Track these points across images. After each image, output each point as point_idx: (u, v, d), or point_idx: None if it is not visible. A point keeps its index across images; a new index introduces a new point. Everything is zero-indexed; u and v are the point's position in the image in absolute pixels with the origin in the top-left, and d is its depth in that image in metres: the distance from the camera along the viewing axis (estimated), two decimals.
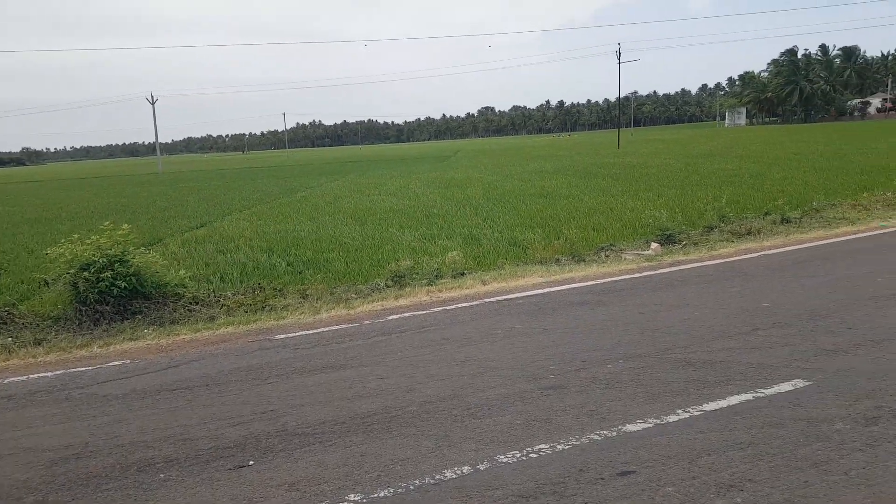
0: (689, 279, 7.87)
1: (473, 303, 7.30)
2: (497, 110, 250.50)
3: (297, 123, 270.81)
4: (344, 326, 6.71)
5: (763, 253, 9.20)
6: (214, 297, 8.06)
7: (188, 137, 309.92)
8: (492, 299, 7.40)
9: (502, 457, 3.64)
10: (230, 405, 4.69)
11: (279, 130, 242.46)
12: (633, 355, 5.18)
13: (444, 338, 6.03)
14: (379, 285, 8.46)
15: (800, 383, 4.40)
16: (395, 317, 6.92)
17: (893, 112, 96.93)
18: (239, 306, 7.67)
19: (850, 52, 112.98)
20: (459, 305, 7.23)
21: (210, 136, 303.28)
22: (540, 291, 7.63)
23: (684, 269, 8.44)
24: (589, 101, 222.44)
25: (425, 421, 4.18)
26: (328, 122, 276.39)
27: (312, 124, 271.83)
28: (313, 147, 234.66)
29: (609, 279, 8.14)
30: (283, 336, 6.46)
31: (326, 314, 7.30)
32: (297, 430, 4.17)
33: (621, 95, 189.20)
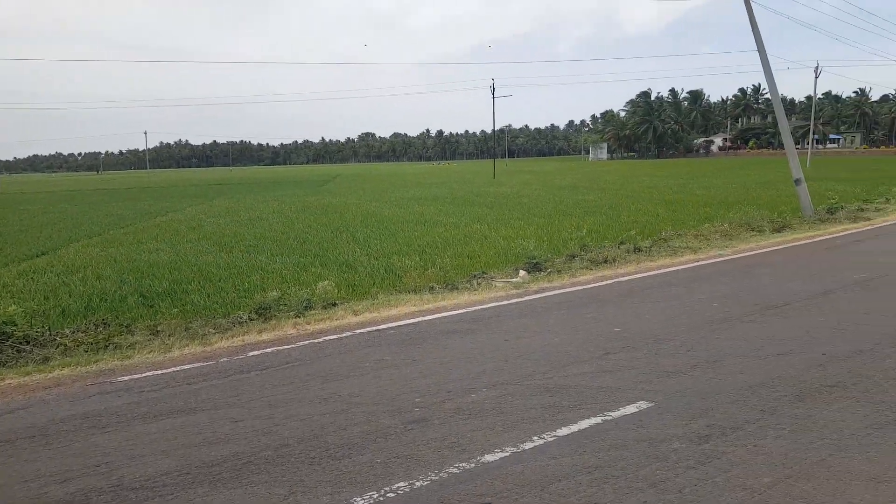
0: (551, 305, 8.23)
1: (343, 335, 7.15)
2: (378, 136, 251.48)
3: (162, 142, 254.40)
4: (198, 365, 6.28)
5: (617, 280, 9.85)
6: (50, 334, 7.26)
7: (34, 155, 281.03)
8: (362, 331, 7.29)
9: (358, 499, 3.54)
10: (59, 459, 4.20)
11: (140, 149, 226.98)
12: (496, 383, 5.29)
13: (308, 374, 5.83)
14: (241, 318, 8.05)
15: (643, 405, 4.71)
16: (256, 353, 6.61)
17: (732, 150, 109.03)
18: (79, 345, 6.96)
19: (696, 96, 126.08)
20: (328, 338, 7.05)
21: (60, 153, 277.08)
22: (412, 321, 7.64)
23: (548, 296, 8.83)
24: (467, 131, 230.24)
25: (280, 466, 3.99)
26: (196, 141, 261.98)
27: (178, 144, 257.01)
28: (179, 168, 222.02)
29: (479, 307, 8.32)
30: (126, 378, 5.92)
31: (179, 352, 6.81)
32: (135, 483, 3.81)
33: (497, 128, 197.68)
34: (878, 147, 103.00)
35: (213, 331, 7.57)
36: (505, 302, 8.57)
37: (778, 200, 21.47)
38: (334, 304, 8.59)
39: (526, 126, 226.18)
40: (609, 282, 9.75)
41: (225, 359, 6.44)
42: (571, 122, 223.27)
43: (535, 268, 10.96)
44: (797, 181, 18.27)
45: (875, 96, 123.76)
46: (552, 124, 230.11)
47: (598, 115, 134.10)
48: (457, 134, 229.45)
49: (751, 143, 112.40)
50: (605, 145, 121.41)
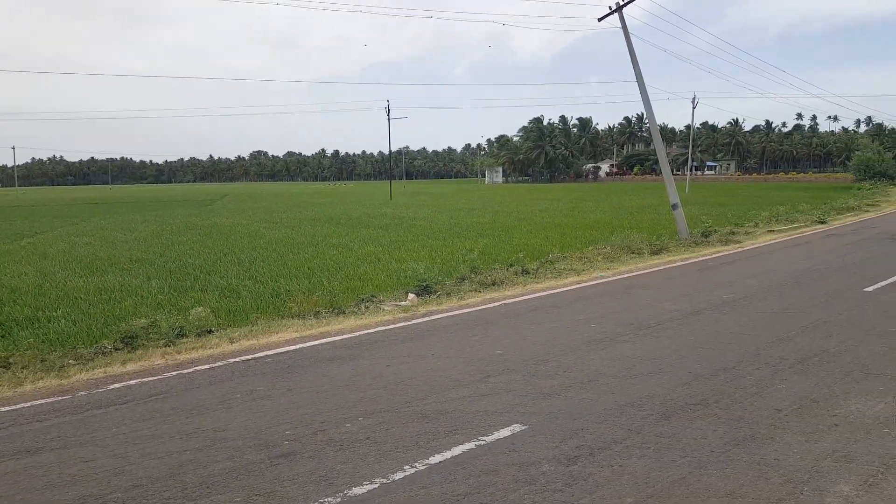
0: (437, 329, 8.18)
1: (216, 364, 6.72)
2: (271, 155, 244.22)
3: (33, 158, 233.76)
4: (52, 400, 5.68)
5: (504, 302, 10.00)
6: None
7: None
8: (237, 359, 6.88)
9: None
10: None
11: (8, 166, 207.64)
12: (373, 412, 5.12)
13: (173, 407, 5.39)
14: (105, 348, 7.39)
15: (517, 428, 4.71)
16: (117, 385, 6.06)
17: (619, 175, 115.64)
18: None
19: (584, 124, 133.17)
20: (199, 368, 6.59)
21: None
22: (292, 348, 7.32)
23: (435, 319, 8.78)
24: (364, 152, 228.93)
25: None
26: (72, 158, 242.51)
27: (52, 160, 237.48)
28: (53, 186, 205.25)
29: (365, 332, 8.12)
30: None
31: (32, 386, 6.14)
32: None
33: (394, 149, 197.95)
34: (750, 174, 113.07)
35: (73, 362, 6.90)
36: (391, 326, 8.44)
37: (658, 224, 22.81)
38: (210, 332, 8.09)
39: (424, 148, 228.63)
40: (496, 304, 9.86)
41: (83, 392, 5.86)
42: (468, 145, 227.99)
43: (425, 290, 10.91)
44: (674, 206, 19.51)
45: (747, 126, 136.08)
46: (449, 147, 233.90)
47: (494, 140, 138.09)
48: (354, 154, 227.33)
49: (635, 169, 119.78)
50: (500, 169, 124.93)
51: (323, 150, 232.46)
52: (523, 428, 4.71)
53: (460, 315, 9.05)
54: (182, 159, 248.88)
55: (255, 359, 6.87)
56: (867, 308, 8.67)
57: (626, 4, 19.19)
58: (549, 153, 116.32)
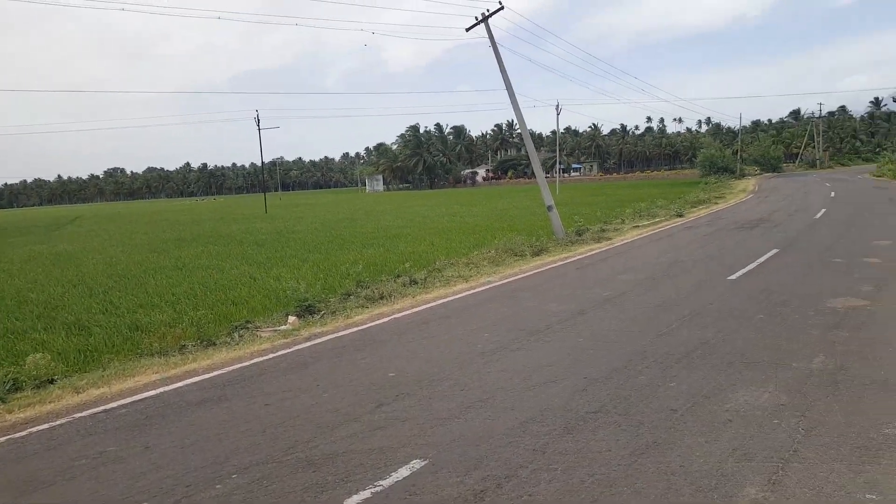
0: (322, 354, 7.58)
1: (57, 422, 5.70)
2: (129, 171, 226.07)
3: None
4: None
5: (393, 317, 9.55)
6: None
7: None
8: (84, 413, 5.89)
9: None
10: None
11: None
12: (249, 465, 4.47)
13: None
14: None
15: (417, 464, 4.28)
16: None
17: (495, 179, 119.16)
18: None
19: (459, 131, 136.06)
20: (35, 430, 5.54)
21: None
22: (152, 393, 6.40)
23: (319, 343, 8.16)
24: (234, 164, 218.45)
25: None
26: None
27: None
28: None
29: (239, 365, 7.33)
30: None
31: None
32: None
33: (268, 160, 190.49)
34: (610, 174, 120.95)
35: None
36: (270, 356, 7.71)
37: (535, 225, 23.42)
38: (52, 381, 6.94)
39: (300, 159, 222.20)
40: (385, 320, 9.40)
41: None
42: (346, 154, 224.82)
43: (307, 311, 10.23)
44: (549, 207, 20.07)
45: (605, 130, 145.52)
46: (326, 157, 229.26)
47: (372, 148, 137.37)
48: (223, 167, 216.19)
49: (510, 174, 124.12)
50: (380, 177, 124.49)
51: (188, 163, 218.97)
52: (424, 463, 4.28)
53: (348, 335, 8.49)
54: (25, 181, 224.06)
55: (105, 411, 5.91)
56: (733, 296, 9.15)
57: (491, 15, 19.50)
58: (428, 160, 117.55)
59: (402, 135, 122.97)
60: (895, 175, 42.40)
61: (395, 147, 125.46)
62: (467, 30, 20.18)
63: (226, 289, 12.91)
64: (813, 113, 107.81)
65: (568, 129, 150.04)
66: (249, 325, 9.55)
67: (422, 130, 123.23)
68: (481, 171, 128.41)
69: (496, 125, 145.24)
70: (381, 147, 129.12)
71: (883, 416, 4.69)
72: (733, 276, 10.67)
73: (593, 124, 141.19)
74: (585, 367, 6.26)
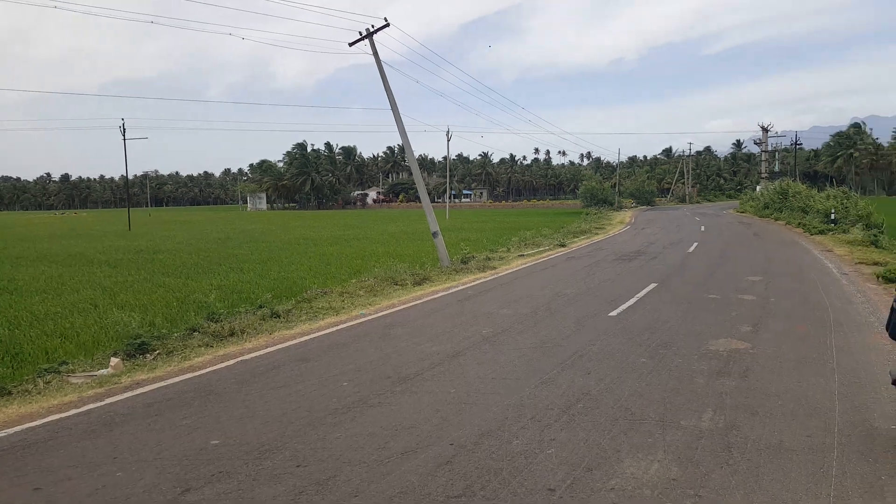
0: (137, 411, 6.11)
1: None
2: None
3: None
4: None
5: (241, 359, 8.18)
6: None
7: None
8: None
9: None
10: None
11: None
12: None
13: None
14: None
15: None
16: None
17: (385, 202, 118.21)
18: None
19: (349, 152, 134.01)
20: None
21: None
22: None
23: (139, 395, 6.66)
24: (103, 176, 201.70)
25: None
26: None
27: None
28: None
29: (26, 425, 5.73)
30: None
31: None
32: None
33: (139, 173, 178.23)
34: (500, 201, 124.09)
35: None
36: (72, 412, 6.14)
37: (422, 251, 22.66)
38: None
39: (177, 173, 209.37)
40: (231, 362, 8.02)
41: None
42: (228, 170, 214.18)
43: (139, 350, 8.61)
44: (434, 234, 19.34)
45: (495, 159, 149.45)
46: (206, 171, 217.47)
47: (256, 165, 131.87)
48: (90, 179, 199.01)
49: (401, 197, 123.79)
50: (263, 195, 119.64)
51: (48, 174, 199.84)
52: None
53: (177, 385, 7.04)
54: None
55: None
56: (615, 336, 8.66)
57: (376, 31, 18.70)
58: (316, 180, 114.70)
59: (289, 152, 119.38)
60: (756, 211, 45.97)
61: (281, 165, 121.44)
62: (350, 44, 19.23)
63: (57, 318, 10.99)
64: (683, 151, 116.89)
65: (459, 155, 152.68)
66: (63, 368, 7.83)
67: (310, 149, 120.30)
68: (372, 194, 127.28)
69: (388, 147, 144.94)
70: (264, 164, 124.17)
71: (784, 492, 4.09)
72: (614, 313, 10.28)
73: (483, 152, 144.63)
74: (454, 430, 5.31)
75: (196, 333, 9.71)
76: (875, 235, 21.07)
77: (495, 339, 8.68)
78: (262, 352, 8.62)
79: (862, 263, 16.08)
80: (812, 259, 17.85)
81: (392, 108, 19.22)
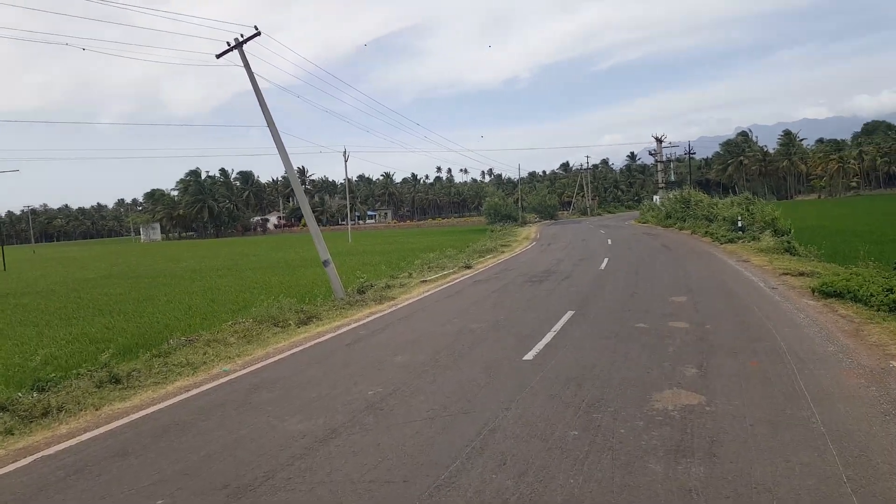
0: None
1: None
2: None
3: None
4: None
5: (40, 455, 5.78)
6: None
7: None
8: None
9: None
10: None
11: None
12: None
13: None
14: None
15: None
16: None
17: (287, 227, 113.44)
18: None
19: (246, 177, 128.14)
20: None
21: None
22: None
23: None
24: None
25: None
26: None
27: None
28: None
29: None
30: None
31: None
32: None
33: (26, 207, 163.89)
34: (405, 220, 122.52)
35: None
36: None
37: (318, 281, 20.43)
38: None
39: (66, 206, 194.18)
40: (26, 462, 5.64)
41: None
42: (122, 200, 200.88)
43: None
44: (325, 262, 17.15)
45: (398, 179, 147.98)
46: (99, 203, 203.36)
47: (147, 194, 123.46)
48: None
49: (303, 221, 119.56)
50: (157, 225, 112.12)
51: None
52: None
53: None
54: None
55: None
56: (534, 392, 6.84)
57: (246, 41, 16.51)
58: (213, 207, 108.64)
59: (183, 180, 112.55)
60: (658, 221, 46.23)
61: (175, 193, 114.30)
62: (218, 56, 16.89)
63: None
64: (581, 165, 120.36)
65: (361, 176, 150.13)
66: None
67: (204, 176, 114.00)
68: (273, 219, 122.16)
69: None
70: (156, 193, 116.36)
71: None
72: (530, 355, 8.51)
73: (386, 173, 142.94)
74: None
75: (6, 411, 7.21)
76: (788, 242, 20.86)
77: (382, 406, 6.67)
78: (71, 442, 6.27)
79: (787, 274, 15.30)
80: (732, 271, 17.08)
81: (268, 125, 16.97)
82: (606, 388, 6.74)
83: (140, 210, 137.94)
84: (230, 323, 13.28)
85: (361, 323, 12.54)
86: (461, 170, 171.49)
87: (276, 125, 17.02)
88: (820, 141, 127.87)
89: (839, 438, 5.09)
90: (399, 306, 14.54)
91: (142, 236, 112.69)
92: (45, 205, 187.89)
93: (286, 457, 5.42)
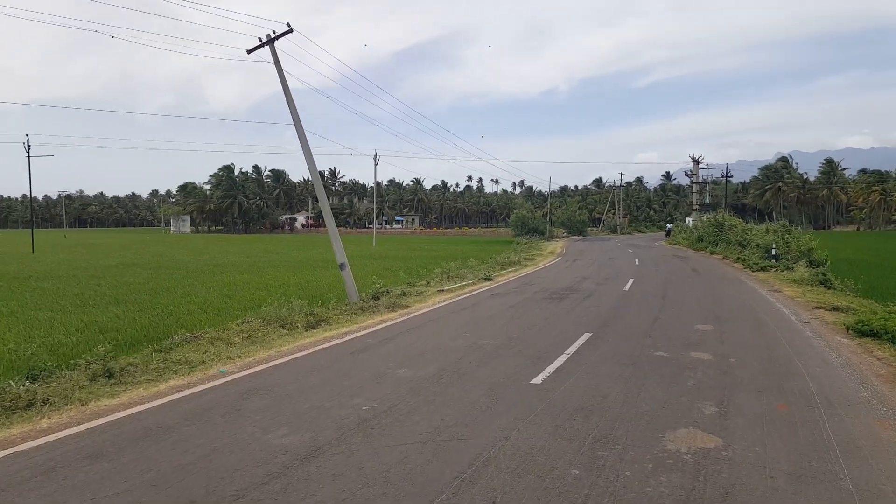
0: None
1: None
2: None
3: None
4: None
5: (6, 452, 5.51)
6: None
7: None
8: None
9: None
10: None
11: None
12: None
13: None
14: None
15: None
16: None
17: (314, 227, 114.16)
18: None
19: (278, 175, 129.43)
20: None
21: None
22: None
23: None
24: (25, 196, 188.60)
25: None
26: None
27: None
28: None
29: None
30: None
31: None
32: None
33: (62, 192, 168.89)
34: (431, 228, 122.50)
35: None
36: None
37: (335, 283, 20.24)
38: None
39: (101, 193, 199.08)
40: None
41: None
42: (156, 191, 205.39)
43: None
44: (341, 266, 16.91)
45: (428, 186, 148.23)
46: (133, 193, 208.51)
47: (180, 187, 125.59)
48: (9, 198, 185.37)
49: None
50: (187, 218, 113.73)
51: None
52: None
53: None
54: None
55: None
56: (538, 421, 6.33)
57: (277, 38, 16.42)
58: (243, 203, 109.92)
59: (216, 174, 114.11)
60: (689, 244, 44.98)
61: (207, 187, 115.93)
62: (249, 52, 16.86)
63: None
64: (614, 182, 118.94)
65: (392, 181, 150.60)
66: None
67: (238, 172, 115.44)
68: (301, 218, 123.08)
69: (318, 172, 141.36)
70: (188, 186, 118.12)
71: None
72: (538, 379, 8.01)
73: (416, 178, 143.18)
74: None
75: None
76: (823, 274, 19.91)
77: (374, 425, 6.24)
78: (47, 439, 6.00)
79: (821, 308, 14.49)
80: (763, 301, 16.28)
81: (294, 122, 16.81)
82: (616, 423, 6.22)
83: (173, 202, 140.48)
84: (239, 321, 13.06)
85: (370, 331, 12.16)
86: (492, 180, 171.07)
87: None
88: (863, 171, 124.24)
89: (870, 501, 4.52)
90: (411, 315, 14.14)
91: (172, 228, 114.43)
92: (80, 191, 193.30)
93: (262, 474, 5.04)
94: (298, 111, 16.77)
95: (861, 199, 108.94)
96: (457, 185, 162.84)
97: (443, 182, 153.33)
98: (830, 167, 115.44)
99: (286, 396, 7.42)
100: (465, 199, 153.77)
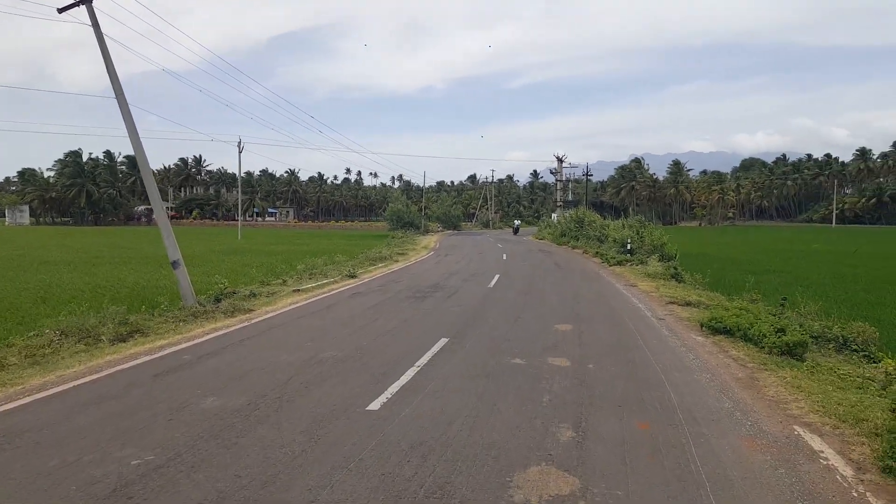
0: None
1: None
2: None
3: None
4: None
5: None
6: None
7: None
8: None
9: None
10: None
11: None
12: None
13: None
14: None
15: None
16: None
17: (176, 219, 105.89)
18: None
19: (134, 161, 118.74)
20: None
21: None
22: None
23: None
24: None
25: None
26: None
27: None
28: None
29: None
30: None
31: None
32: None
33: None
34: (307, 221, 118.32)
35: None
36: None
37: (178, 281, 17.72)
38: None
39: None
40: None
41: None
42: None
43: None
44: (174, 264, 14.70)
45: (304, 177, 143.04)
46: None
47: (17, 173, 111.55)
48: None
49: (195, 213, 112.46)
50: (25, 208, 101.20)
51: None
52: None
53: None
54: None
55: None
56: (360, 471, 4.99)
57: None
58: (93, 192, 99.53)
59: (61, 160, 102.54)
60: (554, 238, 46.45)
61: (51, 175, 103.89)
62: (60, 10, 14.16)
63: None
64: (487, 178, 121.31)
65: (265, 171, 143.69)
66: None
67: (87, 157, 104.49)
68: None
69: (181, 159, 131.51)
70: (27, 172, 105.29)
71: None
72: (376, 404, 6.68)
73: (290, 169, 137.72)
74: None
75: None
76: (675, 268, 20.45)
77: (135, 491, 4.59)
78: None
79: (674, 303, 14.51)
80: (620, 297, 16.17)
81: (117, 94, 14.32)
82: (457, 463, 5.05)
83: (13, 190, 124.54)
84: (33, 333, 10.66)
85: (194, 343, 10.29)
86: (371, 173, 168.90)
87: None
88: (704, 172, 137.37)
89: None
90: (253, 321, 12.38)
91: (7, 219, 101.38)
92: None
93: None
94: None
95: (703, 197, 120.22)
96: (335, 177, 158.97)
97: (319, 174, 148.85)
98: (677, 168, 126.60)
99: (30, 450, 5.51)
100: (342, 192, 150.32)
